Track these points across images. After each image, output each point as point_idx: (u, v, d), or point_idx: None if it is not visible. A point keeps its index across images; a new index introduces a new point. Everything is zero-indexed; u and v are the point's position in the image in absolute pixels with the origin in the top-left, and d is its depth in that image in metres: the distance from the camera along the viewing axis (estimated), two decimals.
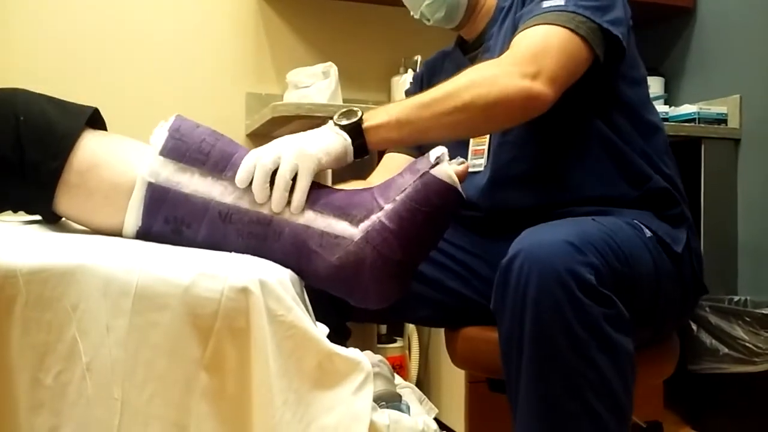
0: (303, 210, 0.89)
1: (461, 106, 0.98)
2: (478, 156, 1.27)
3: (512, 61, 1.04)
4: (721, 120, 2.40)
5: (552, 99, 1.02)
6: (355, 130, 0.97)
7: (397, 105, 1.01)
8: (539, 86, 1.00)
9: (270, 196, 0.88)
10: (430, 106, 0.99)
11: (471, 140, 1.29)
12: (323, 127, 0.98)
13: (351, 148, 0.96)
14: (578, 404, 0.86)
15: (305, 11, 2.59)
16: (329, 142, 0.94)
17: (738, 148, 2.38)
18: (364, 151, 0.98)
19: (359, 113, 0.98)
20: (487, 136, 1.25)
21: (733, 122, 2.39)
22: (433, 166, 0.89)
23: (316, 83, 2.27)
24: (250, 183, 0.88)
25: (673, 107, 2.50)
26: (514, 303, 0.90)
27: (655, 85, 2.62)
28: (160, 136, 0.92)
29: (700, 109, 2.38)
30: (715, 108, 2.40)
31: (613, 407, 0.88)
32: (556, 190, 1.17)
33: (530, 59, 1.02)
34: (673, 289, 1.08)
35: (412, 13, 1.34)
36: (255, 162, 0.88)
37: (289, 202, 0.89)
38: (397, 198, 0.90)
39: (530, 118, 1.05)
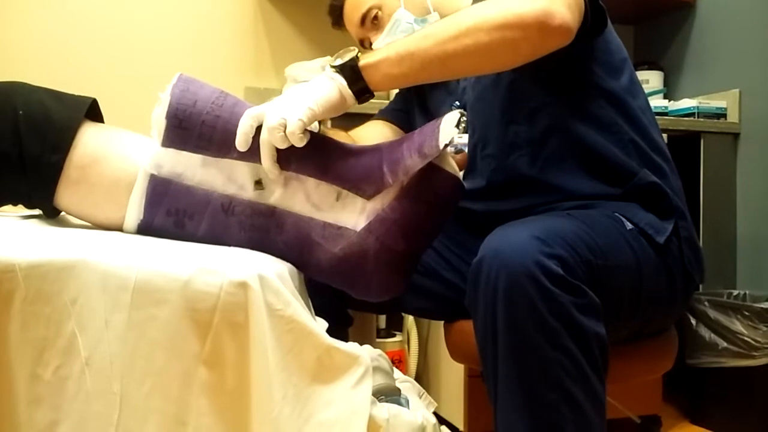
0: (317, 182, 0.90)
1: (465, 30, 0.91)
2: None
3: None
4: (721, 114, 2.39)
5: (570, 22, 0.92)
6: (351, 71, 0.93)
7: (397, 41, 0.95)
8: (557, 5, 0.90)
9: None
10: (432, 36, 0.92)
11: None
12: (323, 74, 0.95)
13: (349, 91, 0.93)
14: (558, 393, 0.86)
15: (304, 5, 2.58)
16: (322, 91, 0.92)
17: (737, 142, 2.38)
18: (366, 93, 0.94)
19: (355, 51, 0.94)
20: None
21: (733, 117, 2.38)
22: (440, 147, 0.85)
23: (314, 78, 2.26)
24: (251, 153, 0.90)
25: (672, 101, 2.49)
26: (485, 299, 0.90)
27: (654, 79, 2.62)
28: (159, 121, 0.92)
29: (700, 103, 2.37)
30: (715, 102, 2.40)
31: (588, 392, 0.87)
32: (539, 194, 1.15)
33: None
34: (657, 280, 1.07)
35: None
36: (251, 123, 0.89)
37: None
38: (404, 183, 0.89)
39: (551, 44, 0.94)
